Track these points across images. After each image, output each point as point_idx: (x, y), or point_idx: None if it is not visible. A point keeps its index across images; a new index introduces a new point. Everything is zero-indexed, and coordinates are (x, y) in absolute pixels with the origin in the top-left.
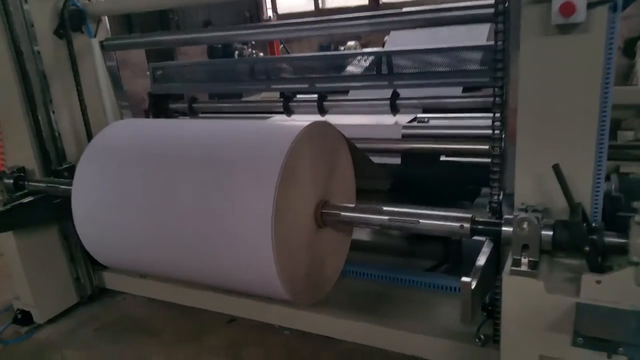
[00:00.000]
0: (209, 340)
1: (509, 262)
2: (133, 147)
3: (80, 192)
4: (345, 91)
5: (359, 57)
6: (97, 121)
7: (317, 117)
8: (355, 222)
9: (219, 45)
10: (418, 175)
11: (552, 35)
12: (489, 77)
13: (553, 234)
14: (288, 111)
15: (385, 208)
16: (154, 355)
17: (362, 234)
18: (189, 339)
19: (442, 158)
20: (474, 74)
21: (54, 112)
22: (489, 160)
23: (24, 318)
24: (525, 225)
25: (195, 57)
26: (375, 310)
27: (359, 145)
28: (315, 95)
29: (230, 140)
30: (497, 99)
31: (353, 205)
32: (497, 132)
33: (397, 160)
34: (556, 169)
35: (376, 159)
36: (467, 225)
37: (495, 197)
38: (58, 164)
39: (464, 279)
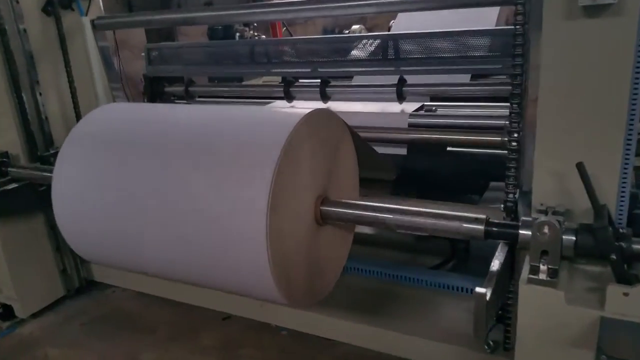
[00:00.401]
0: (203, 339)
1: (525, 268)
2: (118, 134)
3: (61, 181)
4: (350, 77)
5: (364, 41)
6: (87, 104)
7: (320, 104)
8: (357, 220)
9: (219, 27)
10: (425, 166)
11: (578, 18)
12: (503, 64)
13: (576, 239)
14: (289, 97)
15: (389, 206)
16: (144, 353)
17: (363, 227)
18: (182, 336)
19: (449, 149)
20: (485, 60)
21: (40, 94)
22: (499, 152)
23: (5, 312)
24: (545, 230)
25: (197, 38)
26: (377, 310)
27: (363, 135)
28: (318, 81)
29: (223, 129)
30: (515, 88)
31: (355, 202)
32: (514, 124)
33: (403, 151)
34: (580, 168)
35: (381, 149)
36: (480, 227)
37: (511, 195)
38: (45, 149)
39: (478, 289)
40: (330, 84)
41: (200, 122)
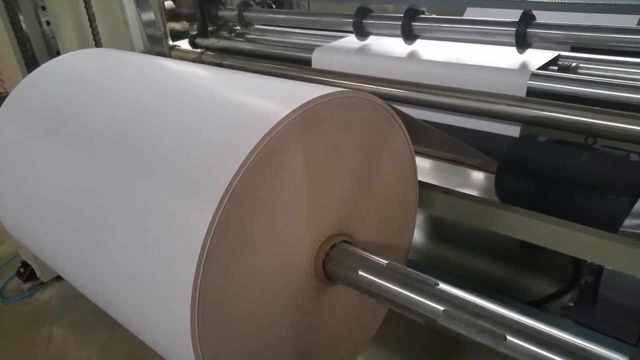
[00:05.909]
0: None
1: None
2: (51, 108)
3: None
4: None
5: None
6: (113, 34)
7: (401, 44)
8: (374, 293)
9: None
10: (546, 163)
11: None
12: None
13: None
14: (361, 32)
15: (452, 291)
16: (148, 355)
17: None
18: None
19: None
20: None
21: (49, 23)
22: None
23: (26, 272)
24: None
25: None
26: None
27: (444, 101)
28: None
29: (177, 126)
30: None
31: (383, 261)
32: None
33: (513, 131)
34: None
35: (474, 124)
36: None
37: None
38: None
39: None
40: (419, 17)
41: (151, 110)
